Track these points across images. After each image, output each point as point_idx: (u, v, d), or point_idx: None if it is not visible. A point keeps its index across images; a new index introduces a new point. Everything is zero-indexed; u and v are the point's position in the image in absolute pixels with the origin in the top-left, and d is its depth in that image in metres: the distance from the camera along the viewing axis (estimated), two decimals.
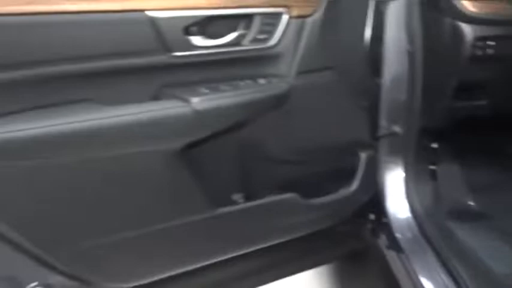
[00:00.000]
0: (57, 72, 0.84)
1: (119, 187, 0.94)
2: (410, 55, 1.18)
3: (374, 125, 1.25)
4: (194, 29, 0.93)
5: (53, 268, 1.01)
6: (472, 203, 1.41)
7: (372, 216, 1.37)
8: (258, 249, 1.18)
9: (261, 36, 0.99)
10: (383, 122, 1.25)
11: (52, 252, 0.97)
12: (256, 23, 0.98)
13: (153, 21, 0.88)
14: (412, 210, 1.28)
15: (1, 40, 0.78)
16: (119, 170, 0.92)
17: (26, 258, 0.99)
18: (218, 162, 1.09)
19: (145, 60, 0.91)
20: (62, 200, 0.91)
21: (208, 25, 0.95)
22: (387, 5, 1.15)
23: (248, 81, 1.00)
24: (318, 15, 1.03)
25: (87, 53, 0.86)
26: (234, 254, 1.15)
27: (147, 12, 0.87)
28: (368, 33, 1.13)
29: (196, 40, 0.94)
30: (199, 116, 0.92)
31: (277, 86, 1.02)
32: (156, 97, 0.95)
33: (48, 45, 0.82)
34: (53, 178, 0.88)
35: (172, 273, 1.11)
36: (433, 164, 1.37)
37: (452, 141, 1.39)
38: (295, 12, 1.01)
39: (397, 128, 1.25)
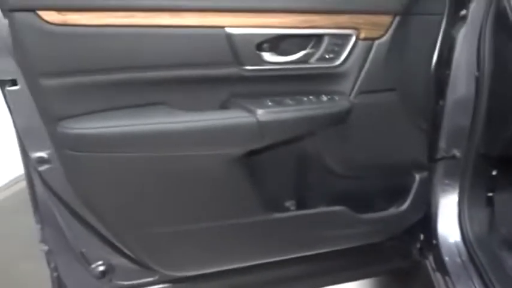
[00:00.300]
0: (144, 78, 0.95)
1: (185, 184, 1.04)
2: (478, 80, 1.19)
3: (431, 147, 1.26)
4: (266, 45, 1.01)
5: (118, 251, 1.13)
6: None
7: (422, 236, 1.38)
8: (306, 256, 1.23)
9: (328, 56, 1.04)
10: (442, 145, 1.28)
11: (120, 236, 1.09)
12: (325, 43, 1.03)
13: (230, 37, 0.96)
14: (463, 235, 1.28)
15: (102, 47, 0.90)
16: (186, 169, 1.02)
17: (96, 239, 1.12)
18: (275, 170, 1.15)
19: (219, 71, 0.99)
20: (135, 191, 1.02)
21: (279, 43, 1.02)
22: (459, 30, 1.17)
23: (311, 97, 1.06)
24: (385, 38, 1.07)
25: (171, 61, 0.96)
26: (283, 258, 1.22)
27: (226, 29, 0.96)
28: (436, 56, 1.15)
29: (267, 56, 1.01)
30: (262, 127, 1.00)
31: (339, 104, 1.07)
32: (224, 105, 1.04)
33: (139, 53, 0.93)
34: (130, 171, 0.99)
35: (223, 268, 1.20)
36: (491, 191, 1.36)
37: None
38: (363, 35, 1.05)
39: (456, 152, 1.27)
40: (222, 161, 1.03)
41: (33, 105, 0.93)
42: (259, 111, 0.99)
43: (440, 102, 1.23)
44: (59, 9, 0.86)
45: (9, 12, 0.84)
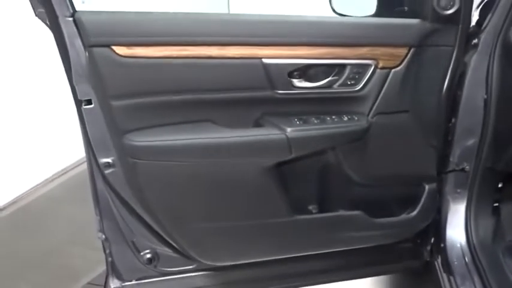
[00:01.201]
0: (194, 99, 1.14)
1: (224, 188, 1.22)
2: (486, 102, 1.32)
3: (443, 160, 1.41)
4: (296, 73, 1.18)
5: (163, 242, 1.33)
6: None
7: (433, 240, 1.53)
8: (326, 253, 1.40)
9: (350, 82, 1.21)
10: (453, 159, 1.41)
11: (167, 230, 1.28)
12: (347, 71, 1.20)
13: (266, 66, 1.14)
14: (468, 240, 1.42)
15: (161, 74, 1.10)
16: (225, 175, 1.21)
17: (146, 231, 1.31)
18: (301, 178, 1.32)
19: (255, 94, 1.17)
20: (182, 192, 1.21)
21: (307, 71, 1.19)
22: (471, 56, 1.30)
23: (334, 117, 1.22)
24: (401, 67, 1.22)
25: (216, 86, 1.14)
26: (305, 254, 1.39)
27: (263, 59, 1.13)
28: (447, 80, 1.29)
29: (297, 82, 1.19)
30: (291, 142, 1.17)
31: (358, 123, 1.23)
32: (258, 122, 1.21)
33: (190, 79, 1.12)
34: (179, 176, 1.19)
35: (253, 260, 1.38)
36: (497, 201, 1.49)
37: None
38: (381, 64, 1.21)
39: (466, 165, 1.41)
40: (255, 169, 1.21)
41: (103, 120, 1.13)
42: (288, 129, 1.17)
43: (453, 120, 1.36)
44: (128, 44, 1.06)
45: (89, 47, 1.05)
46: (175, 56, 1.09)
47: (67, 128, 2.92)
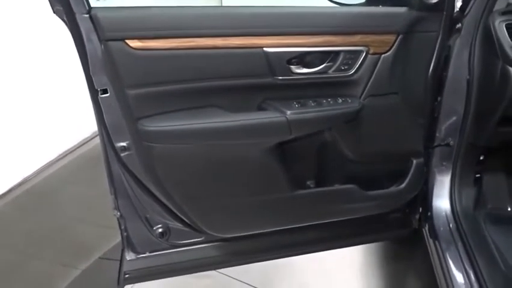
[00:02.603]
0: (201, 87, 1.24)
1: (231, 166, 1.34)
2: (468, 82, 1.43)
3: (429, 136, 1.52)
4: (294, 60, 1.28)
5: (175, 217, 1.44)
6: (510, 210, 1.65)
7: (420, 209, 1.66)
8: (323, 223, 1.53)
9: (343, 67, 1.31)
10: (439, 134, 1.53)
11: (178, 206, 1.40)
12: (341, 58, 1.30)
13: (266, 54, 1.24)
14: (452, 209, 1.55)
15: (171, 64, 1.19)
16: (231, 155, 1.32)
17: (158, 208, 1.43)
18: (300, 156, 1.43)
19: (257, 80, 1.28)
20: (192, 171, 1.33)
21: (304, 58, 1.29)
22: (455, 40, 1.40)
23: (329, 100, 1.33)
24: (390, 53, 1.32)
25: (221, 74, 1.24)
26: (304, 224, 1.52)
27: (264, 48, 1.23)
28: (433, 63, 1.39)
29: (295, 68, 1.29)
30: (290, 124, 1.28)
31: (352, 105, 1.34)
32: (260, 106, 1.32)
33: (197, 68, 1.22)
34: (189, 157, 1.30)
35: (257, 231, 1.51)
36: (479, 173, 1.62)
37: (498, 156, 1.62)
38: (372, 50, 1.31)
39: (450, 141, 1.52)
40: (258, 149, 1.32)
41: (118, 108, 1.23)
42: (288, 112, 1.28)
43: (438, 99, 1.47)
44: (141, 38, 1.15)
45: (104, 41, 1.14)
46: (183, 47, 1.18)
47: (69, 109, 3.01)
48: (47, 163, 2.96)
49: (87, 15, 1.12)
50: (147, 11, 1.17)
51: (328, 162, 1.47)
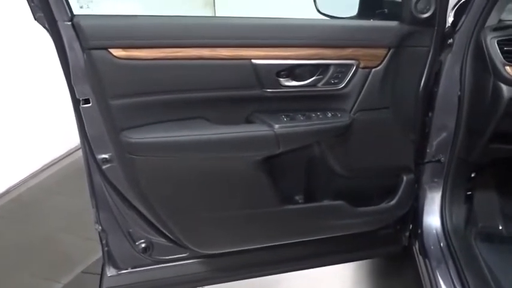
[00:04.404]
0: (187, 98, 1.20)
1: (217, 180, 1.30)
2: (459, 98, 1.41)
3: (420, 152, 1.50)
4: (283, 73, 1.25)
5: (158, 232, 1.39)
6: (501, 228, 1.63)
7: (411, 226, 1.63)
8: (311, 240, 1.49)
9: (333, 81, 1.29)
10: (430, 150, 1.51)
11: (162, 220, 1.35)
12: (331, 71, 1.27)
13: (255, 66, 1.21)
14: (443, 226, 1.52)
15: (156, 75, 1.16)
16: (218, 169, 1.28)
17: (141, 222, 1.38)
18: (288, 170, 1.40)
19: (245, 92, 1.25)
20: (177, 185, 1.29)
21: (293, 71, 1.26)
22: (447, 55, 1.39)
23: (319, 113, 1.30)
24: (381, 67, 1.30)
25: (209, 85, 1.21)
26: (292, 241, 1.48)
27: (252, 60, 1.20)
28: (424, 78, 1.38)
29: (284, 81, 1.26)
30: (278, 138, 1.25)
31: (341, 119, 1.31)
32: (248, 118, 1.29)
33: (183, 79, 1.18)
34: (174, 170, 1.26)
35: (243, 248, 1.47)
36: (470, 190, 1.59)
37: (489, 173, 1.60)
38: (362, 64, 1.29)
39: (441, 157, 1.50)
40: (246, 163, 1.29)
41: (100, 118, 1.20)
42: (276, 126, 1.24)
43: (429, 114, 1.46)
44: (125, 47, 1.12)
45: (87, 50, 1.10)
46: (169, 57, 1.15)
47: (55, 120, 2.97)
48: (32, 173, 2.91)
49: (70, 23, 1.08)
50: (132, 20, 1.15)
51: (317, 177, 1.44)
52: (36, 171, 2.94)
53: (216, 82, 1.22)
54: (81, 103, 1.18)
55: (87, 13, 1.12)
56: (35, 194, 2.77)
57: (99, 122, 1.20)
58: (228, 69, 1.21)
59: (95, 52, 1.11)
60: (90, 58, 1.11)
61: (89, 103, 1.18)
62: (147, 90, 1.17)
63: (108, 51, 1.10)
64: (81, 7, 1.12)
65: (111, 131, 1.21)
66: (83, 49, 1.11)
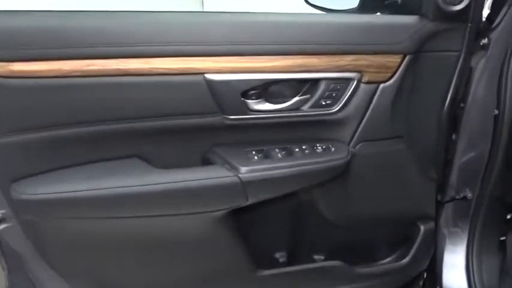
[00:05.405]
0: (111, 130, 0.83)
1: (160, 246, 0.92)
2: (496, 119, 1.06)
3: (440, 188, 1.14)
4: (252, 92, 0.87)
5: None
6: None
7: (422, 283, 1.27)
8: None
9: (325, 102, 0.91)
10: (453, 185, 1.15)
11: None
12: (321, 88, 0.90)
13: (210, 83, 0.83)
14: (470, 285, 1.18)
15: (59, 99, 0.78)
16: (164, 229, 0.90)
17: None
18: (264, 222, 1.03)
19: (200, 121, 0.87)
20: (105, 252, 0.91)
21: (267, 89, 0.88)
22: (478, 60, 1.02)
23: (305, 147, 0.92)
24: (393, 81, 0.93)
25: (141, 112, 0.83)
26: None
27: (206, 75, 0.82)
28: (451, 92, 1.01)
29: (253, 104, 0.88)
30: (246, 186, 0.87)
31: (337, 155, 0.93)
32: (206, 156, 0.91)
33: (103, 104, 0.81)
34: (103, 231, 0.88)
35: None
36: (504, 234, 1.24)
37: None
38: (367, 77, 0.91)
39: (468, 192, 1.16)
40: (202, 221, 0.91)
41: None
42: (243, 169, 0.87)
43: (453, 136, 1.10)
44: (6, 59, 0.73)
45: None
46: (78, 73, 0.77)
47: None
48: None
49: None
50: (15, 18, 0.75)
51: (304, 229, 1.08)
52: None
53: (154, 107, 0.84)
54: None
55: None
56: None
57: None
58: (170, 89, 0.83)
59: None
60: None
61: None
62: (46, 121, 0.79)
63: None
64: None
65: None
66: None
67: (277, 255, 1.09)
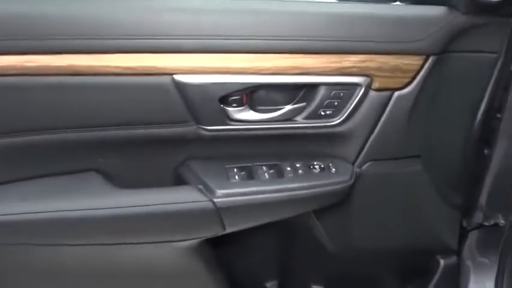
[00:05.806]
0: (62, 139, 0.68)
1: (119, 279, 0.78)
2: None
3: (467, 212, 0.96)
4: (234, 98, 0.70)
5: None
6: None
7: None
8: None
9: (324, 112, 0.74)
10: (482, 209, 0.98)
11: None
12: (320, 95, 0.73)
13: (180, 86, 0.67)
14: None
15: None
16: (120, 261, 0.76)
17: None
18: (250, 248, 0.89)
19: (169, 131, 0.71)
20: (54, 284, 0.77)
21: (252, 95, 0.72)
22: None
23: (299, 166, 0.76)
24: (411, 88, 0.75)
25: (98, 120, 0.68)
26: None
27: (175, 76, 0.66)
28: (486, 101, 0.83)
29: (234, 112, 0.71)
30: (222, 214, 0.72)
31: (338, 178, 0.76)
32: (177, 172, 0.76)
33: (47, 108, 0.66)
34: (48, 261, 0.75)
35: None
36: None
37: None
38: (378, 83, 0.73)
39: (500, 220, 0.99)
40: (170, 251, 0.76)
41: None
42: (219, 192, 0.71)
43: (486, 151, 0.92)
44: None
45: None
46: (12, 71, 0.62)
47: None
48: None
49: None
50: None
51: (299, 257, 0.93)
52: None
53: (110, 114, 0.69)
54: None
55: None
56: None
57: None
58: (130, 92, 0.67)
59: None
60: None
61: None
62: None
63: None
64: None
65: None
66: None
67: (268, 284, 0.94)
